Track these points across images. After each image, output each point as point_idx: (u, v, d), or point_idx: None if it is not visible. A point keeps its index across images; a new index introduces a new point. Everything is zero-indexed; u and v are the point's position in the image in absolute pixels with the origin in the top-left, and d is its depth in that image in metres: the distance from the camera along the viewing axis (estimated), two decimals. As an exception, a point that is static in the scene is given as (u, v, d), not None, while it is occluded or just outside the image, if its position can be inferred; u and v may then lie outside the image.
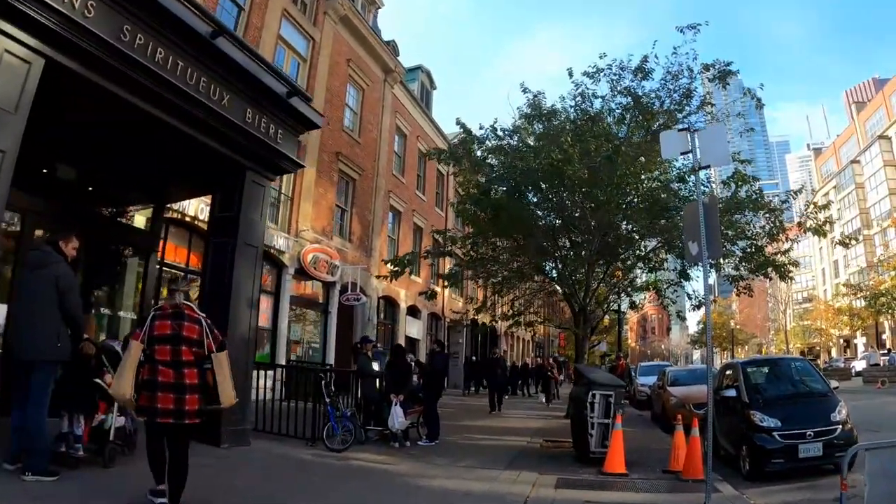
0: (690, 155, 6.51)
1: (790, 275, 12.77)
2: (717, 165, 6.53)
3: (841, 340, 65.45)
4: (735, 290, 13.48)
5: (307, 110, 8.97)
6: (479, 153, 10.62)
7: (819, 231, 11.71)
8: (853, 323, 55.67)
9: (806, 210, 11.90)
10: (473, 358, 30.48)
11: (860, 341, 60.32)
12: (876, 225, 61.15)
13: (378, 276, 13.66)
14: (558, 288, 16.88)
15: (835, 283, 70.81)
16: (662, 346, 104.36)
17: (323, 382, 8.89)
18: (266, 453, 7.58)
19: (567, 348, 47.95)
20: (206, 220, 13.50)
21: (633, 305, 16.28)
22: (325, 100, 18.80)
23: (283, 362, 15.92)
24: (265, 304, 16.28)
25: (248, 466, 6.71)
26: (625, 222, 12.47)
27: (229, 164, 8.35)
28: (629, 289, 15.72)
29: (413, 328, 25.87)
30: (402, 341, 24.19)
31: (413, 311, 26.15)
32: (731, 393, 8.85)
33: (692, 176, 9.40)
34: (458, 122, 9.95)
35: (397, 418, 8.96)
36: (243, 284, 8.13)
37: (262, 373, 9.79)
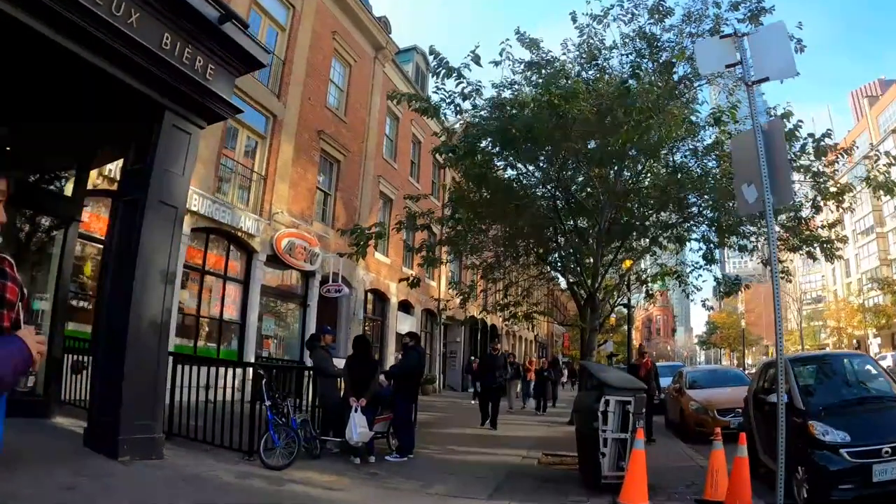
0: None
1: (837, 252, 10.80)
2: (778, 79, 4.68)
3: (854, 341, 63.27)
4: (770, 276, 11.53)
5: (247, 43, 7.17)
6: (458, 98, 8.61)
7: (890, 189, 9.67)
8: (877, 321, 53.46)
9: (873, 162, 9.85)
10: (473, 357, 28.45)
11: (875, 342, 58.21)
12: (890, 221, 59.04)
13: (342, 255, 11.76)
14: (559, 277, 14.94)
15: (846, 282, 68.60)
16: (668, 348, 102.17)
17: (263, 381, 7.07)
18: (174, 472, 5.76)
19: (571, 348, 46.00)
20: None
21: (648, 295, 14.25)
22: (305, 73, 17.09)
23: (252, 359, 14.18)
24: (233, 293, 14.55)
25: (132, 493, 4.89)
26: (637, 203, 10.52)
27: (144, 103, 6.59)
28: (643, 275, 13.77)
29: (405, 325, 23.95)
30: (392, 339, 22.42)
31: (405, 307, 24.31)
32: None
33: (728, 119, 7.48)
34: (432, 51, 7.99)
35: (356, 428, 7.06)
36: (155, 252, 6.34)
37: (200, 369, 7.99)
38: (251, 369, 9.00)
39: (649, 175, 10.04)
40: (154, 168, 6.48)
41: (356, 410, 7.18)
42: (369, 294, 21.43)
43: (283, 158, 15.91)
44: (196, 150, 7.11)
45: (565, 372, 32.70)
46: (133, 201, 6.48)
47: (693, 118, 8.09)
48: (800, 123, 8.72)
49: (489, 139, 8.97)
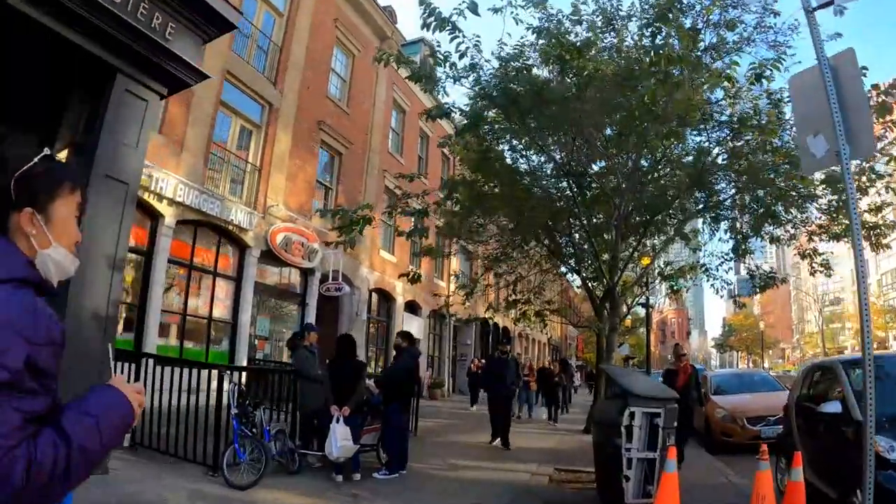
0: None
1: (885, 242, 9.57)
2: (846, 1, 3.70)
3: (875, 343, 61.55)
4: (809, 268, 10.42)
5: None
6: (455, 57, 7.50)
7: None
8: None
9: None
10: (474, 359, 26.89)
11: (895, 345, 56.43)
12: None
13: (328, 244, 10.76)
14: (572, 274, 13.82)
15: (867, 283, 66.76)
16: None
17: (232, 385, 6.14)
18: (113, 491, 4.84)
19: (586, 351, 44.73)
20: (140, 182, 10.96)
21: (673, 290, 13.01)
22: (304, 61, 16.28)
23: (244, 361, 13.31)
24: (223, 290, 13.67)
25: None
26: (662, 185, 9.35)
27: (95, 67, 5.73)
28: (666, 269, 12.58)
29: (412, 326, 22.93)
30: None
31: (412, 308, 23.34)
32: (834, 408, 5.87)
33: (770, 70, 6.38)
34: (422, 1, 6.88)
35: (336, 442, 6.06)
36: (100, 234, 5.44)
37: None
38: (233, 372, 8.10)
39: (673, 154, 8.93)
40: (101, 138, 5.59)
41: (337, 420, 6.19)
42: (374, 294, 20.53)
43: (279, 149, 15.06)
44: (154, 121, 6.21)
45: (577, 375, 31.50)
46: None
47: (731, 72, 6.92)
48: (864, 71, 7.22)
49: (494, 110, 7.89)
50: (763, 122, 7.46)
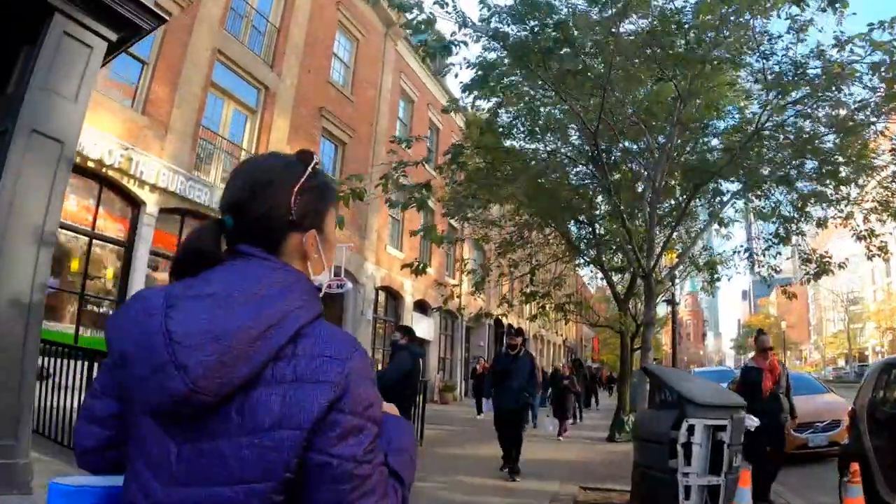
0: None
1: None
2: None
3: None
4: (866, 252, 9.15)
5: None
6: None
7: None
8: None
9: None
10: (480, 358, 24.73)
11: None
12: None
13: None
14: (591, 266, 12.59)
15: (887, 281, 64.76)
16: (701, 352, 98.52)
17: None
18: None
19: (601, 352, 43.40)
20: (118, 165, 10.04)
21: (713, 280, 11.59)
22: (304, 43, 15.41)
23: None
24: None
25: None
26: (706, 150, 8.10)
27: (30, 5, 4.76)
28: (703, 256, 11.32)
29: (421, 326, 21.85)
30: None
31: (422, 307, 22.27)
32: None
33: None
34: None
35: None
36: (24, 201, 4.45)
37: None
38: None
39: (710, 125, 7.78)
40: (30, 86, 4.59)
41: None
42: (380, 292, 19.52)
43: (276, 135, 14.12)
44: (97, 71, 5.19)
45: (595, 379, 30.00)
46: (2, 133, 4.60)
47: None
48: None
49: (507, 61, 6.76)
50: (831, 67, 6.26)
